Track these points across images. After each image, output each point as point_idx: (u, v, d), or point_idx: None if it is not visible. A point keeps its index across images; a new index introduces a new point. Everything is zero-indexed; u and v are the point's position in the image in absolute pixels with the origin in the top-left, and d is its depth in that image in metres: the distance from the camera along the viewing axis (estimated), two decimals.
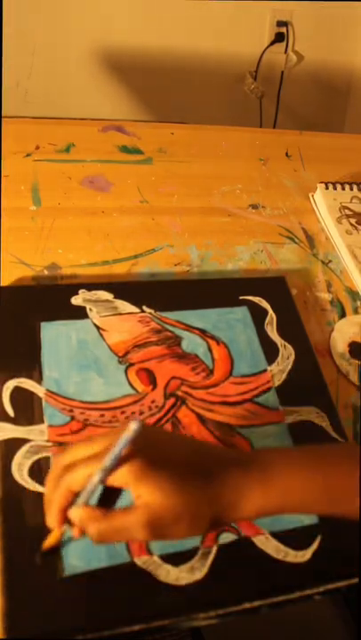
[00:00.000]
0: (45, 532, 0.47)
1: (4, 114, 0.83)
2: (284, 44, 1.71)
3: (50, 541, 0.43)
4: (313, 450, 0.47)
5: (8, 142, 0.81)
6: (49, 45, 1.60)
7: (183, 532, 0.40)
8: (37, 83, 1.68)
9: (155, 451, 0.41)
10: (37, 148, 0.82)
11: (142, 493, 0.39)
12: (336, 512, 0.44)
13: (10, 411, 0.54)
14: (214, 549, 0.49)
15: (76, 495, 0.41)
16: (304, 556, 0.50)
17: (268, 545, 0.50)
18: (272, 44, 1.70)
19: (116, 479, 0.40)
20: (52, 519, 0.42)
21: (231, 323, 0.65)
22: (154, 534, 0.40)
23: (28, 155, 0.81)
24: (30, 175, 0.78)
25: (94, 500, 0.41)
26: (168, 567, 0.47)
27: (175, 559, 0.48)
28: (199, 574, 0.47)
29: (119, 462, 0.39)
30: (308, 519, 0.52)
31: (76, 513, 0.40)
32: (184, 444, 0.44)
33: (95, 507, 0.41)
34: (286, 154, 0.92)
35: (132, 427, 0.40)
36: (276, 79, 1.77)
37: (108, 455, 0.39)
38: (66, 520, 0.42)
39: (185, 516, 0.39)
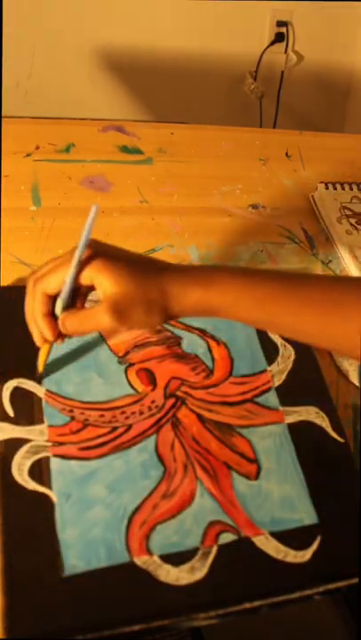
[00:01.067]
0: (45, 533, 0.47)
1: (3, 114, 0.83)
2: (284, 44, 1.71)
3: (40, 361, 0.52)
4: (251, 269, 0.55)
5: (8, 142, 0.81)
6: (49, 46, 1.60)
7: (140, 314, 0.47)
8: (37, 83, 1.68)
9: (111, 250, 0.49)
10: (37, 148, 0.82)
11: (104, 284, 0.46)
12: (270, 324, 0.52)
13: (10, 411, 0.54)
14: (214, 549, 0.49)
15: (53, 301, 0.49)
16: (304, 556, 0.50)
17: (268, 545, 0.50)
18: (272, 44, 1.70)
19: (83, 277, 0.47)
20: (37, 331, 0.50)
21: (231, 323, 0.65)
22: (116, 318, 0.47)
23: (28, 155, 0.81)
24: (30, 175, 0.78)
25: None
26: (168, 567, 0.47)
27: (175, 559, 0.48)
28: (199, 574, 0.47)
29: (83, 265, 0.47)
30: (309, 519, 0.52)
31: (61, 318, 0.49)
32: (137, 253, 0.51)
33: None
34: (286, 154, 0.92)
35: (93, 209, 0.47)
36: (276, 79, 1.77)
37: (78, 247, 0.46)
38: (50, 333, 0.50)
39: (139, 300, 0.47)
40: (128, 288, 0.46)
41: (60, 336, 0.51)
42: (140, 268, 0.48)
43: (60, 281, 0.48)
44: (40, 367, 0.53)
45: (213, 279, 0.49)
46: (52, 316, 0.50)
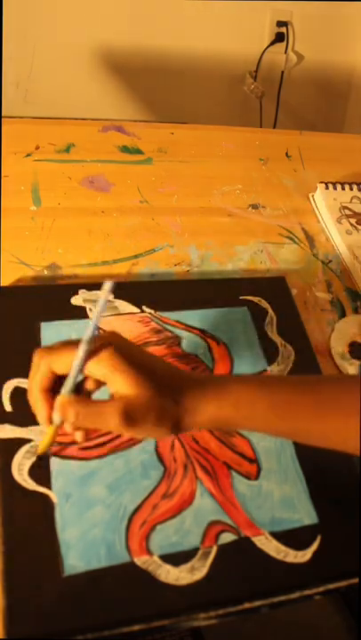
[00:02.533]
0: (45, 533, 0.47)
1: (4, 114, 0.83)
2: (284, 43, 1.71)
3: (44, 443, 0.45)
4: (265, 376, 0.53)
5: (8, 142, 0.81)
6: (49, 45, 1.60)
7: (151, 423, 0.43)
8: (37, 83, 1.68)
9: (131, 350, 0.45)
10: (37, 148, 0.82)
11: (118, 384, 0.43)
12: (286, 430, 0.47)
13: (10, 411, 0.54)
14: (214, 549, 0.49)
15: (59, 382, 0.44)
16: (304, 556, 0.50)
17: (269, 545, 0.50)
18: (272, 43, 1.70)
19: (95, 370, 0.43)
20: (36, 403, 0.45)
21: (231, 323, 0.65)
22: (125, 422, 0.43)
23: (28, 155, 0.81)
24: (30, 175, 0.78)
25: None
26: (168, 567, 0.47)
27: (175, 559, 0.48)
28: (199, 574, 0.47)
29: (98, 355, 0.43)
30: (309, 519, 0.52)
31: (59, 399, 0.44)
32: (155, 356, 0.48)
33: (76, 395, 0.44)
34: (286, 154, 0.92)
35: (106, 286, 0.43)
36: (276, 79, 1.77)
37: (90, 325, 0.43)
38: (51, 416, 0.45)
39: (154, 408, 0.43)
40: (143, 394, 0.43)
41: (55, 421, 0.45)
42: (158, 374, 0.44)
43: (69, 361, 0.43)
44: (41, 449, 0.46)
45: (227, 391, 0.45)
46: (51, 393, 0.45)
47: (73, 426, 0.44)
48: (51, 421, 0.45)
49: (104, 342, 0.44)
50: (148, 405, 0.43)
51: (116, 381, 0.43)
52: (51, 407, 0.44)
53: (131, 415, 0.43)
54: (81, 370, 0.43)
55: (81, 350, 0.43)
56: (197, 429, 0.47)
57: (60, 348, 0.44)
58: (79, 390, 0.45)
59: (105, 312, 0.42)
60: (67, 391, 0.44)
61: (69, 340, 0.45)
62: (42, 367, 0.44)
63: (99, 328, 0.42)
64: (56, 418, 0.44)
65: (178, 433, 0.45)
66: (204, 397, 0.45)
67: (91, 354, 0.43)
